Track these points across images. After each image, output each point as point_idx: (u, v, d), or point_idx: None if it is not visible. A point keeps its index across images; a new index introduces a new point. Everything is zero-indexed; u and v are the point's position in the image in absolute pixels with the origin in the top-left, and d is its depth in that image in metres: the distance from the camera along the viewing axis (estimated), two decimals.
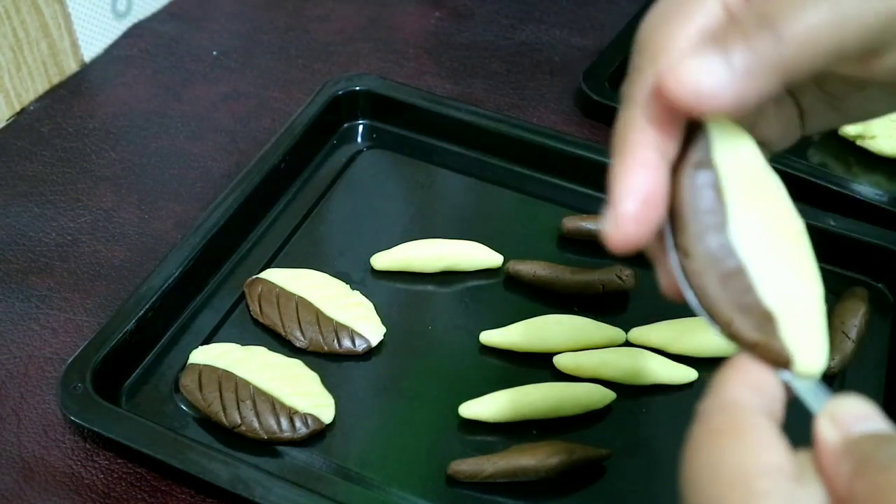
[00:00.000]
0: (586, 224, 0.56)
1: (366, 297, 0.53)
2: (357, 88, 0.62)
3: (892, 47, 0.28)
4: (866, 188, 0.59)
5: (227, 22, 0.73)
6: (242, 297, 0.53)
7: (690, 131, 0.29)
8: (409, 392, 0.50)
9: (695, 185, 0.28)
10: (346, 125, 0.63)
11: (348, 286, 0.53)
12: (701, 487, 0.24)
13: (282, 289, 0.52)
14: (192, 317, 0.52)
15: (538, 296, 0.54)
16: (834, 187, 0.58)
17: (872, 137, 0.62)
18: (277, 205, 0.58)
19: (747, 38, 0.26)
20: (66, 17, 0.66)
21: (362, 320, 0.51)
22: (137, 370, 0.50)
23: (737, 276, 0.27)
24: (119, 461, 0.47)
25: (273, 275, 0.53)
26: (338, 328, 0.51)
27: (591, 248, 0.56)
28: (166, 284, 0.51)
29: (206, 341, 0.51)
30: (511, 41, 0.72)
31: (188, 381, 0.48)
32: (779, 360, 0.27)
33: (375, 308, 0.52)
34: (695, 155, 0.28)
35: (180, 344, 0.51)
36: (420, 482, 0.46)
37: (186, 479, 0.45)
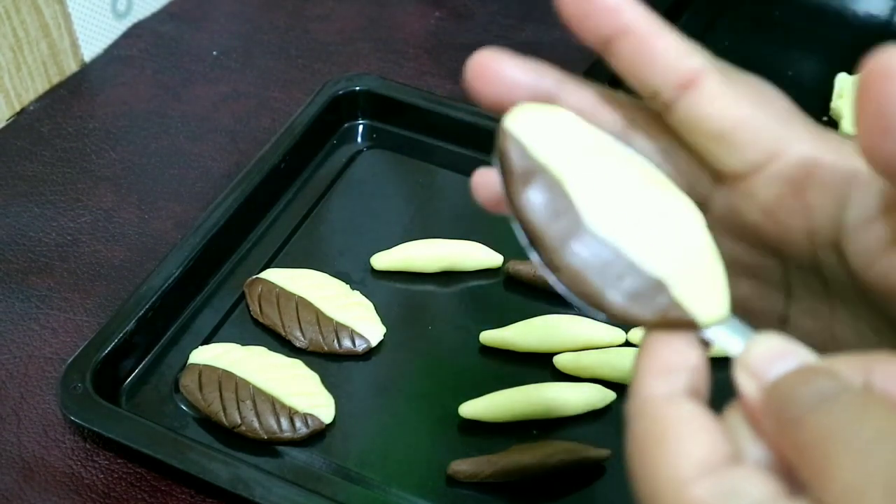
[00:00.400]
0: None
1: (366, 297, 0.53)
2: (357, 88, 0.62)
3: None
4: None
5: (227, 22, 0.73)
6: (242, 297, 0.53)
7: (497, 140, 0.27)
8: (409, 392, 0.50)
9: (530, 196, 0.26)
10: (346, 125, 0.63)
11: (348, 286, 0.53)
12: (649, 501, 0.23)
13: (282, 289, 0.52)
14: (192, 317, 0.52)
15: (538, 296, 0.54)
16: None
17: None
18: (277, 205, 0.58)
19: None
20: (66, 17, 0.66)
21: (362, 320, 0.51)
22: (137, 370, 0.50)
23: (613, 264, 0.26)
24: (119, 461, 0.47)
25: (273, 275, 0.53)
26: (338, 328, 0.51)
27: None
28: (166, 284, 0.51)
29: (206, 341, 0.51)
30: (511, 41, 0.72)
31: (188, 381, 0.48)
32: (685, 326, 0.25)
33: (375, 308, 0.52)
34: (514, 163, 0.26)
35: (180, 344, 0.51)
36: (420, 482, 0.46)
37: (186, 479, 0.45)
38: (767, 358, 0.23)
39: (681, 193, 0.27)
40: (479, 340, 0.51)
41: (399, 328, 0.52)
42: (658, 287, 0.26)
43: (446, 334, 0.52)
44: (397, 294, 0.54)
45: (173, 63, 0.69)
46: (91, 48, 0.69)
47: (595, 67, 0.66)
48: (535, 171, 0.26)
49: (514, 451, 0.45)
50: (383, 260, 0.55)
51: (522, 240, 0.27)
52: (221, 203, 0.55)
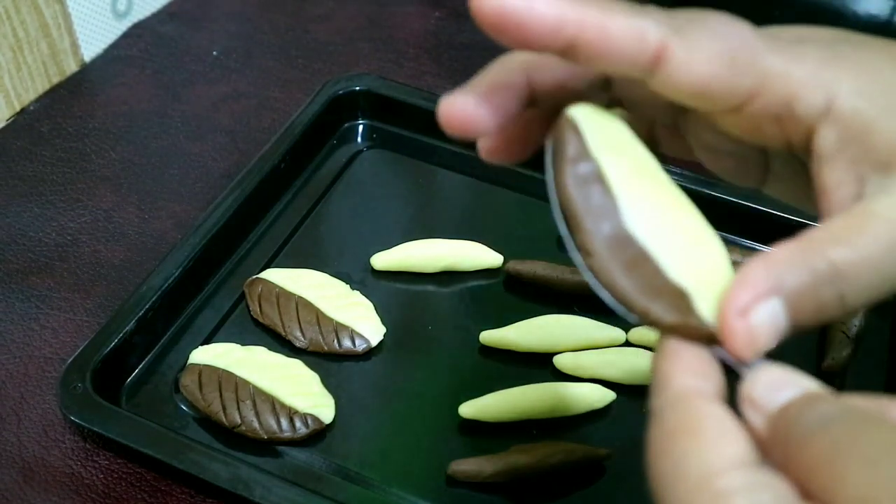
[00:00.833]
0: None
1: (366, 297, 0.53)
2: (357, 88, 0.62)
3: None
4: None
5: (227, 22, 0.73)
6: (242, 297, 0.53)
7: (557, 126, 0.28)
8: (409, 392, 0.50)
9: (578, 182, 0.27)
10: (345, 125, 0.63)
11: (348, 286, 0.53)
12: (668, 490, 0.23)
13: (282, 289, 0.52)
14: (192, 317, 0.52)
15: (538, 296, 0.54)
16: None
17: None
18: (277, 205, 0.58)
19: None
20: (66, 17, 0.66)
21: (362, 320, 0.51)
22: (137, 370, 0.50)
23: (642, 263, 0.27)
24: (119, 461, 0.47)
25: (273, 275, 0.53)
26: (338, 328, 0.51)
27: None
28: (166, 284, 0.51)
29: (206, 341, 0.51)
30: None
31: (188, 381, 0.48)
32: (702, 337, 0.26)
33: (375, 308, 0.52)
34: (570, 150, 0.27)
35: (180, 344, 0.51)
36: (420, 482, 0.46)
37: (186, 479, 0.45)
38: (771, 388, 0.24)
39: (704, 219, 0.28)
40: (479, 340, 0.51)
41: (399, 328, 0.52)
42: (679, 296, 0.26)
43: (446, 334, 0.52)
44: (397, 294, 0.54)
45: (173, 63, 0.69)
46: (91, 48, 0.69)
47: None
48: (588, 162, 0.27)
49: (514, 451, 0.45)
50: (383, 260, 0.55)
51: (558, 218, 0.27)
52: (221, 203, 0.55)
